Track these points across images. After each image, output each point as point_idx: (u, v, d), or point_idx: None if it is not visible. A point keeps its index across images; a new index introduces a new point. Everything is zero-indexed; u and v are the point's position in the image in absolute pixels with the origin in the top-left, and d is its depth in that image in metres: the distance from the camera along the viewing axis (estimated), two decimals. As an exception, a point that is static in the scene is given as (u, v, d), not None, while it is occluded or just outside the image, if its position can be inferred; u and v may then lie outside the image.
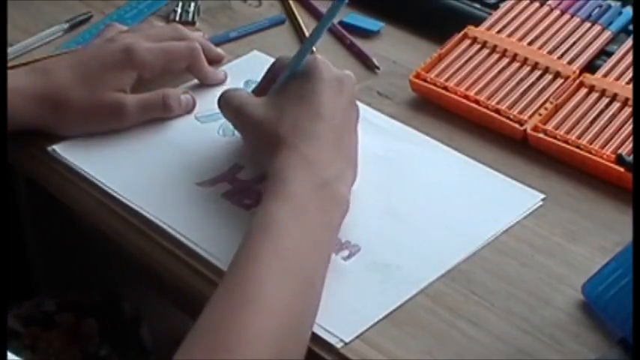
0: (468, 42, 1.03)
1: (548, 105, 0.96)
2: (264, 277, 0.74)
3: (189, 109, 0.98)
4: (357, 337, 0.76)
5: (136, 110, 0.95)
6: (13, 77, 0.93)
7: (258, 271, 0.75)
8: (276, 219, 0.78)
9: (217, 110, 0.97)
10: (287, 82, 0.88)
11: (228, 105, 0.90)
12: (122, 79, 0.95)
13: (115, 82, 0.94)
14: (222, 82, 1.01)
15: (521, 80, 0.99)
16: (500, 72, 1.00)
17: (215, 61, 1.03)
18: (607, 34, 1.03)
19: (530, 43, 1.02)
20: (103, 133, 0.94)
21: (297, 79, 0.87)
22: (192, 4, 1.13)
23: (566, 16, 1.05)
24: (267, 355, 0.71)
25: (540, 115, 0.95)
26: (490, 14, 1.06)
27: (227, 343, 0.70)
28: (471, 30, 1.04)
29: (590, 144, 0.92)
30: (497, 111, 0.96)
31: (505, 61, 1.01)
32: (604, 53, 1.02)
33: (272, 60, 1.02)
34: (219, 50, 1.04)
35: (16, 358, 0.69)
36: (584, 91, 0.97)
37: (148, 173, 0.91)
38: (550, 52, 1.01)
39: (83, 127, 0.94)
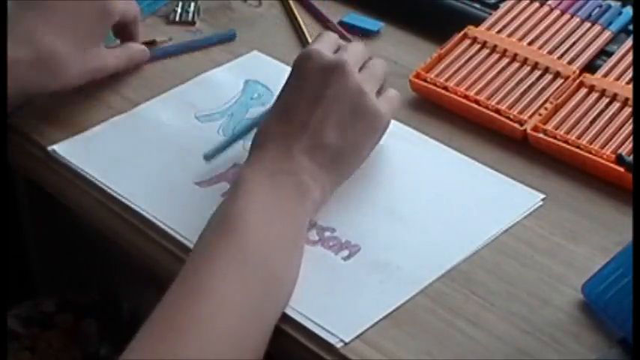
0: (468, 42, 1.03)
1: (548, 105, 0.96)
2: (215, 267, 0.75)
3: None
4: (357, 337, 0.76)
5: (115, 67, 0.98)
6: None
7: (209, 262, 0.75)
8: (231, 211, 0.79)
9: (217, 110, 0.98)
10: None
11: None
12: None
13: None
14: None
15: (521, 80, 0.99)
16: (500, 72, 1.00)
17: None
18: (607, 34, 1.03)
19: (530, 43, 1.02)
20: (103, 133, 0.94)
21: (291, 73, 0.88)
22: (192, 4, 1.13)
23: (566, 16, 1.05)
24: (221, 345, 0.71)
25: (540, 115, 0.95)
26: (490, 14, 1.06)
27: (177, 335, 0.71)
28: (471, 30, 1.04)
29: (590, 144, 0.92)
30: (498, 111, 0.96)
31: (505, 61, 1.01)
32: (604, 53, 1.02)
33: (272, 60, 1.03)
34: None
35: None
36: (584, 91, 0.97)
37: (147, 173, 0.91)
38: (550, 52, 1.01)
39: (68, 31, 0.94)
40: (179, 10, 1.13)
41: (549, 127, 0.94)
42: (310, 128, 0.84)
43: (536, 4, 1.06)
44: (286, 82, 0.87)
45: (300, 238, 0.81)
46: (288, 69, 0.88)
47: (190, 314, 0.71)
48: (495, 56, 1.01)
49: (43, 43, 0.92)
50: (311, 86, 0.86)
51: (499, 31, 1.03)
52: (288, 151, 0.83)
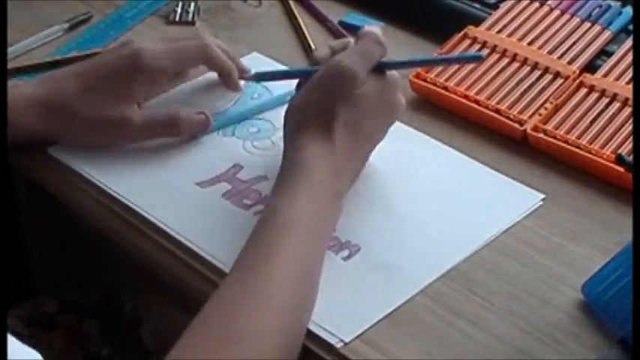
0: (467, 42, 1.03)
1: (548, 105, 0.96)
2: (276, 273, 0.75)
3: (202, 129, 0.94)
4: (357, 337, 0.76)
5: (143, 129, 0.92)
6: (23, 87, 0.92)
7: (271, 267, 0.75)
8: (297, 215, 0.79)
9: (217, 110, 0.97)
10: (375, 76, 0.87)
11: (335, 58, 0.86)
12: (132, 89, 0.91)
13: (125, 92, 0.91)
14: (247, 73, 0.97)
15: (521, 80, 0.99)
16: (500, 72, 1.00)
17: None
18: (607, 34, 1.03)
19: (530, 43, 1.02)
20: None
21: (376, 83, 0.86)
22: (192, 4, 1.13)
23: (566, 16, 1.05)
24: (272, 351, 0.72)
25: (540, 115, 0.95)
26: (490, 14, 1.06)
27: (233, 337, 0.71)
28: (471, 30, 1.04)
29: (590, 144, 0.92)
30: (498, 111, 0.96)
31: (505, 61, 1.01)
32: (604, 53, 1.02)
33: (271, 61, 1.03)
34: (242, 64, 0.98)
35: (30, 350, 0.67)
36: (584, 91, 0.97)
37: (147, 173, 0.91)
38: (550, 52, 1.01)
39: (89, 139, 0.92)
40: (179, 10, 1.13)
41: (549, 127, 0.94)
42: (366, 153, 0.87)
43: (536, 4, 1.06)
44: (370, 91, 0.86)
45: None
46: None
47: (245, 325, 0.72)
48: (495, 56, 1.01)
49: (61, 89, 0.91)
50: (387, 122, 0.88)
51: (499, 31, 1.03)
52: (347, 179, 0.84)
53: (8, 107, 0.88)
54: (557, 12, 1.05)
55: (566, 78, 0.98)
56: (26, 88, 0.92)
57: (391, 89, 0.88)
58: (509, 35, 1.03)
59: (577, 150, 0.92)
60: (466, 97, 0.98)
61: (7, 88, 0.91)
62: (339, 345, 0.76)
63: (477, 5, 1.08)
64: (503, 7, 1.06)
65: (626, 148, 0.91)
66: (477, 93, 0.98)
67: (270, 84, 0.99)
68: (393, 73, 0.88)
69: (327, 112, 0.84)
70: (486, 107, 0.97)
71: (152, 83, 0.93)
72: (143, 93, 0.93)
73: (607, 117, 0.94)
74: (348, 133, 0.84)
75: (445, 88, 0.99)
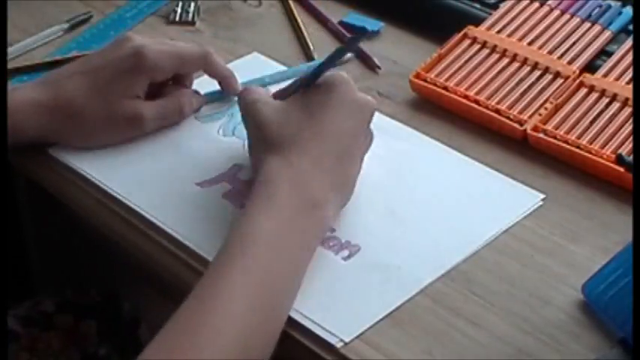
0: (468, 42, 1.03)
1: (548, 105, 0.96)
2: (232, 289, 0.74)
3: (199, 106, 0.97)
4: (357, 337, 0.76)
5: (154, 119, 0.93)
6: (24, 90, 0.92)
7: (227, 283, 0.74)
8: (257, 231, 0.77)
9: (217, 110, 0.98)
10: (306, 91, 0.86)
11: (244, 98, 0.88)
12: (135, 85, 0.92)
13: (129, 89, 0.92)
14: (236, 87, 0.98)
15: (521, 80, 0.99)
16: (500, 72, 1.00)
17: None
18: (607, 34, 1.03)
19: (530, 43, 1.02)
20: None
21: (317, 90, 0.86)
22: (192, 4, 1.13)
23: (566, 16, 1.05)
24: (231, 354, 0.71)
25: (540, 115, 0.95)
26: (490, 14, 1.06)
27: (190, 342, 0.71)
28: (471, 30, 1.04)
29: (590, 144, 0.92)
30: (497, 111, 0.96)
31: (505, 61, 1.01)
32: (604, 53, 1.02)
33: (272, 62, 1.03)
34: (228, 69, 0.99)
35: None
36: (584, 91, 0.97)
37: (147, 173, 0.91)
38: (550, 52, 1.01)
39: (100, 139, 0.92)
40: (179, 10, 1.13)
41: (549, 127, 0.94)
42: (349, 158, 0.85)
43: (536, 4, 1.06)
44: (324, 104, 0.85)
45: (307, 266, 0.81)
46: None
47: (203, 330, 0.71)
48: (495, 56, 1.01)
49: (65, 90, 0.91)
50: (353, 119, 0.85)
51: (499, 31, 1.04)
52: (325, 181, 0.82)
53: (10, 113, 0.88)
54: (557, 12, 1.05)
55: (566, 78, 0.98)
56: (28, 92, 0.91)
57: (343, 89, 0.85)
58: (509, 35, 1.03)
59: (577, 150, 0.92)
60: (466, 97, 0.98)
61: (7, 91, 0.91)
62: (339, 345, 0.76)
63: (477, 5, 1.08)
64: (503, 7, 1.06)
65: (626, 148, 0.91)
66: (477, 93, 0.98)
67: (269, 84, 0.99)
68: (337, 75, 0.86)
69: (267, 135, 0.84)
70: (486, 107, 0.97)
71: (152, 81, 0.93)
72: (144, 88, 0.93)
73: (607, 117, 0.94)
74: (304, 142, 0.83)
75: (445, 88, 0.99)
